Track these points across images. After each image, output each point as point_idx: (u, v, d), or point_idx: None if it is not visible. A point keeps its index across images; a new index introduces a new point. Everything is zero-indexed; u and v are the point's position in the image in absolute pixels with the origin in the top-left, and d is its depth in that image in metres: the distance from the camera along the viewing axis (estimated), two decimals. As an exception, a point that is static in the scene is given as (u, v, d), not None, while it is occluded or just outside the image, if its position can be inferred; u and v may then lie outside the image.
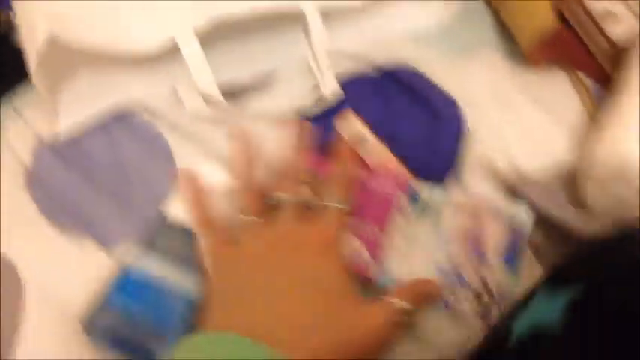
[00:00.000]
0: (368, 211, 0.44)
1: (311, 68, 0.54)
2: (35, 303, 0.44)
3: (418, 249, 0.42)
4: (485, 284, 0.39)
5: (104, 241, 0.47)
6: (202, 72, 0.50)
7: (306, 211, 0.43)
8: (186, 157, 0.50)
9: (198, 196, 0.45)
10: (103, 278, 0.43)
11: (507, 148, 0.47)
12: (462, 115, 0.49)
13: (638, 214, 0.39)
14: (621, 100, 0.40)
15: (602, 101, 0.48)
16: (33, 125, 0.53)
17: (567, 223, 0.41)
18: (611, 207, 0.40)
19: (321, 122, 0.51)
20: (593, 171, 0.40)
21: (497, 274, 0.40)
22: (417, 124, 0.50)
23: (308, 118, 0.51)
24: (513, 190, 0.45)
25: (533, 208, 0.43)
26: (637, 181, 0.37)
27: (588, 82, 0.51)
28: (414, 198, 0.44)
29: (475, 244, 0.41)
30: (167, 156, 0.51)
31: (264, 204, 0.44)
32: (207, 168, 0.49)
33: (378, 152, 0.47)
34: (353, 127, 0.49)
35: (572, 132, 0.48)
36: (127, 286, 0.43)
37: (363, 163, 0.47)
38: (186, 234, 0.45)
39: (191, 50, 0.50)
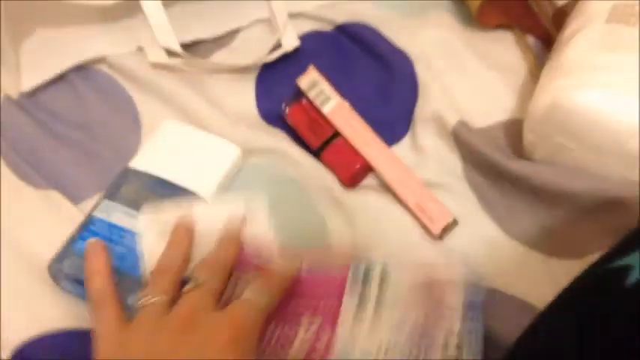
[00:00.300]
0: (310, 301, 0.39)
1: (271, 27, 0.56)
2: (5, 254, 0.46)
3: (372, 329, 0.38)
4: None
5: (72, 195, 0.48)
6: (163, 26, 0.51)
7: (225, 299, 0.38)
8: (150, 110, 0.52)
9: (100, 267, 0.40)
10: (71, 229, 0.45)
11: (456, 103, 0.49)
12: (414, 70, 0.52)
13: (576, 161, 0.42)
14: (559, 53, 0.43)
15: (543, 58, 0.51)
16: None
17: (512, 171, 0.44)
18: (551, 154, 0.43)
19: (279, 72, 0.53)
20: (533, 120, 0.43)
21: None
22: (372, 78, 0.53)
23: (266, 67, 0.53)
24: (461, 141, 0.47)
25: (481, 158, 0.46)
26: (574, 128, 0.40)
27: (531, 40, 0.54)
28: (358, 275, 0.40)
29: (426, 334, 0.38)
30: (131, 110, 0.52)
31: (178, 284, 0.39)
32: (170, 121, 0.50)
33: (340, 110, 0.50)
34: (315, 83, 0.50)
35: (516, 87, 0.51)
36: (91, 234, 0.44)
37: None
38: (150, 184, 0.46)
39: (152, 6, 0.51)
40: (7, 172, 0.49)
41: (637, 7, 0.42)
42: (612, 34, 0.41)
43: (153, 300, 0.37)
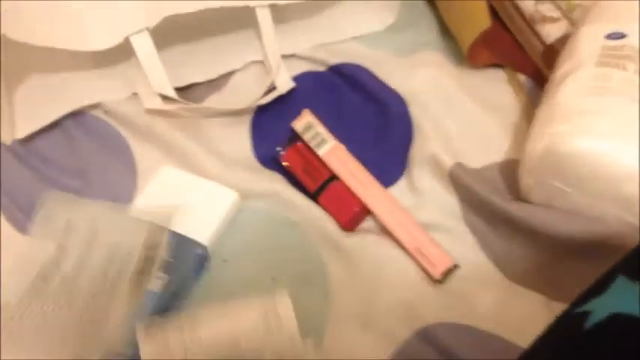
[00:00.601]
0: None
1: (264, 69, 0.56)
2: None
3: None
4: None
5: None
6: (156, 71, 0.51)
7: None
8: (146, 156, 0.52)
9: None
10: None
11: (451, 144, 0.50)
12: (408, 111, 0.52)
13: (573, 204, 0.42)
14: (552, 97, 0.44)
15: (535, 96, 0.52)
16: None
17: (510, 213, 0.44)
18: (548, 197, 0.44)
19: (274, 114, 0.53)
20: (529, 165, 0.43)
21: None
22: (367, 120, 0.53)
23: (260, 109, 0.53)
24: (459, 183, 0.48)
25: (479, 200, 0.46)
26: (570, 173, 0.41)
27: (523, 78, 0.54)
28: None
29: None
30: (127, 156, 0.52)
31: None
32: (167, 167, 0.50)
33: (336, 152, 0.50)
34: (310, 126, 0.50)
35: (510, 127, 0.51)
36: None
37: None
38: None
39: (145, 50, 0.51)
40: (2, 221, 0.49)
41: (626, 50, 0.43)
42: (602, 78, 0.42)
43: None
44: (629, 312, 0.28)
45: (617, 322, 0.28)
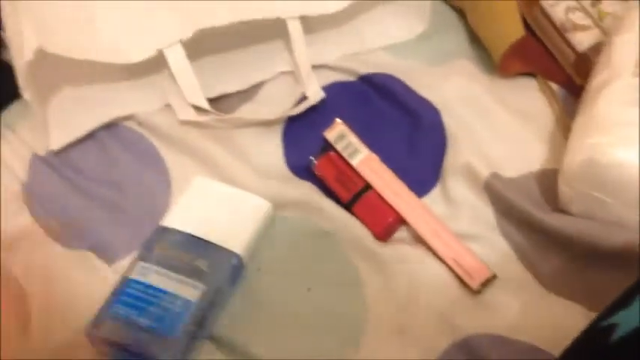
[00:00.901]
0: None
1: (295, 79, 0.57)
2: (40, 317, 0.45)
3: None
4: None
5: (105, 255, 0.48)
6: (189, 83, 0.52)
7: None
8: (179, 167, 0.52)
9: None
10: (105, 291, 0.45)
11: (485, 153, 0.50)
12: (441, 120, 0.52)
13: (613, 215, 0.42)
14: (590, 107, 0.44)
15: (568, 104, 0.52)
16: (26, 141, 0.54)
17: (548, 224, 0.44)
18: (588, 208, 0.43)
19: (305, 124, 0.53)
20: (568, 175, 0.43)
21: None
22: (399, 130, 0.53)
23: (291, 119, 0.54)
24: (494, 193, 0.48)
25: (515, 211, 0.46)
26: (611, 184, 0.41)
27: (555, 87, 0.54)
28: None
29: None
30: (161, 167, 0.52)
31: None
32: (200, 178, 0.50)
33: (369, 162, 0.50)
34: (343, 136, 0.51)
35: (544, 136, 0.51)
36: (128, 297, 0.44)
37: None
38: (184, 242, 0.47)
39: (178, 62, 0.51)
40: (39, 233, 0.49)
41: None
42: (641, 88, 0.42)
43: None
44: None
45: None
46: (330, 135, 0.51)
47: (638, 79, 0.43)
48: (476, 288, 0.44)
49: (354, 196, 0.49)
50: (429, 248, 0.47)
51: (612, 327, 0.30)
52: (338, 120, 0.52)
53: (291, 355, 0.43)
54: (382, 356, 0.43)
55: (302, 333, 0.44)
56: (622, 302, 0.32)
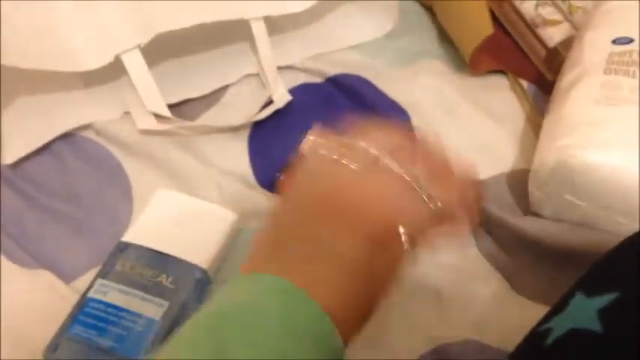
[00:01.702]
0: None
1: (260, 82, 0.55)
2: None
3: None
4: None
5: (63, 273, 0.46)
6: (149, 90, 0.50)
7: None
8: (141, 178, 0.50)
9: None
10: (64, 311, 0.42)
11: (455, 154, 0.48)
12: (411, 123, 0.51)
13: (586, 218, 0.41)
14: (559, 107, 0.43)
15: (539, 102, 0.51)
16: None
17: (519, 228, 0.43)
18: (560, 211, 0.43)
19: (271, 128, 0.52)
20: (539, 178, 0.42)
21: None
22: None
23: (257, 123, 0.52)
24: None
25: (484, 213, 0.45)
26: (582, 186, 0.40)
27: (524, 83, 0.53)
28: None
29: None
30: (122, 178, 0.50)
31: None
32: (163, 190, 0.49)
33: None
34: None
35: (515, 135, 0.50)
36: (87, 316, 0.42)
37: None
38: (146, 257, 0.45)
39: (137, 68, 0.49)
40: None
41: (635, 56, 0.42)
42: (611, 87, 0.41)
43: None
44: (585, 327, 0.29)
45: (574, 336, 0.29)
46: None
47: (608, 76, 0.42)
48: None
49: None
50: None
51: (547, 331, 0.31)
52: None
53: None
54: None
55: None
56: (557, 308, 0.32)
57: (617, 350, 0.28)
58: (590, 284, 0.32)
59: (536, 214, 0.44)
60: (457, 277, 0.44)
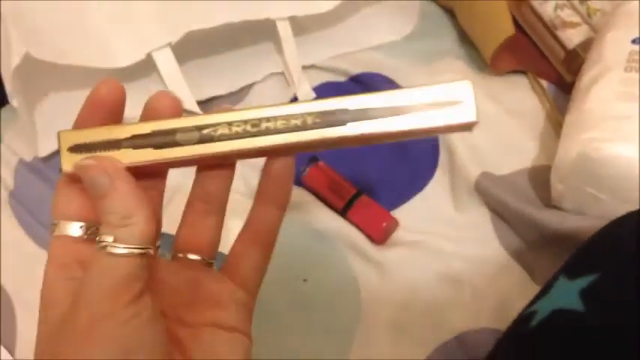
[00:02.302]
0: None
1: (285, 80, 0.56)
2: (26, 322, 0.45)
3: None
4: None
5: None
6: (179, 87, 0.51)
7: None
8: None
9: None
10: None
11: (478, 152, 0.49)
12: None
13: (607, 211, 0.42)
14: (580, 103, 0.44)
15: (559, 101, 0.52)
16: (13, 148, 0.53)
17: (541, 221, 0.43)
18: (581, 204, 0.43)
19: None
20: (561, 172, 0.43)
21: None
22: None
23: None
24: (485, 192, 0.47)
25: (506, 208, 0.45)
26: (604, 179, 0.40)
27: (545, 84, 0.54)
28: None
29: None
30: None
31: None
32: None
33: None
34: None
35: (536, 133, 0.51)
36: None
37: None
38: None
39: (167, 66, 0.51)
40: (26, 240, 0.49)
41: (654, 55, 0.43)
42: (631, 83, 0.42)
43: None
44: (568, 307, 0.31)
45: (557, 316, 0.31)
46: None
47: (628, 73, 0.43)
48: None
49: (348, 202, 0.48)
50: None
51: (532, 314, 0.32)
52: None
53: (282, 351, 0.43)
54: (375, 353, 0.43)
55: (296, 329, 0.44)
56: (542, 292, 0.34)
57: (596, 327, 0.29)
58: (572, 268, 0.33)
59: (558, 208, 0.45)
60: (479, 269, 0.45)
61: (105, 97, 0.28)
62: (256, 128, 0.26)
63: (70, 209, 0.27)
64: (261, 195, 0.30)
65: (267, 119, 0.26)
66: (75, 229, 0.26)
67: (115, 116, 0.28)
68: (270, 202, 0.29)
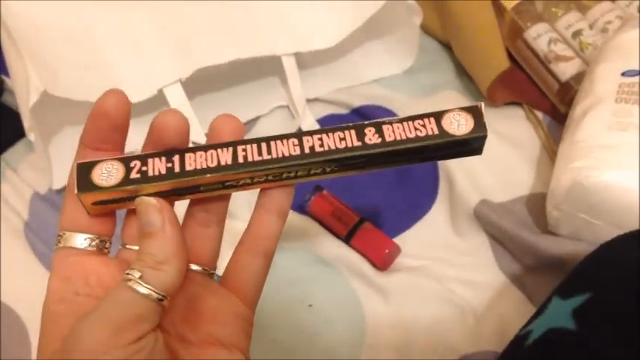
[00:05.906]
0: None
1: (289, 113, 0.58)
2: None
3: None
4: None
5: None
6: (190, 121, 0.53)
7: None
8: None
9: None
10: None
11: (476, 180, 0.51)
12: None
13: (602, 236, 0.43)
14: (573, 132, 0.46)
15: (553, 131, 0.54)
16: (28, 181, 0.55)
17: (538, 247, 0.45)
18: (576, 230, 0.45)
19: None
20: (555, 199, 0.44)
21: None
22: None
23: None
24: (483, 219, 0.49)
25: (505, 235, 0.47)
26: (596, 205, 0.42)
27: (539, 114, 0.56)
28: None
29: None
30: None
31: None
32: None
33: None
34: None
35: (532, 162, 0.53)
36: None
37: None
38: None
39: (178, 101, 0.53)
40: (41, 270, 0.50)
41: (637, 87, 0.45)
42: (622, 114, 0.44)
43: None
44: (561, 326, 0.32)
45: (551, 334, 0.32)
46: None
47: (619, 104, 0.45)
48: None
49: (351, 229, 0.50)
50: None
51: (528, 333, 0.34)
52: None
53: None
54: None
55: (300, 354, 0.45)
56: (538, 312, 0.35)
57: (587, 344, 0.30)
58: (565, 288, 0.35)
59: (554, 234, 0.46)
60: (479, 293, 0.47)
61: (111, 107, 0.28)
62: (277, 178, 0.27)
63: (78, 221, 0.26)
64: (261, 202, 0.29)
65: (289, 171, 0.26)
66: (80, 240, 0.26)
67: (121, 126, 0.29)
68: (271, 209, 0.29)
